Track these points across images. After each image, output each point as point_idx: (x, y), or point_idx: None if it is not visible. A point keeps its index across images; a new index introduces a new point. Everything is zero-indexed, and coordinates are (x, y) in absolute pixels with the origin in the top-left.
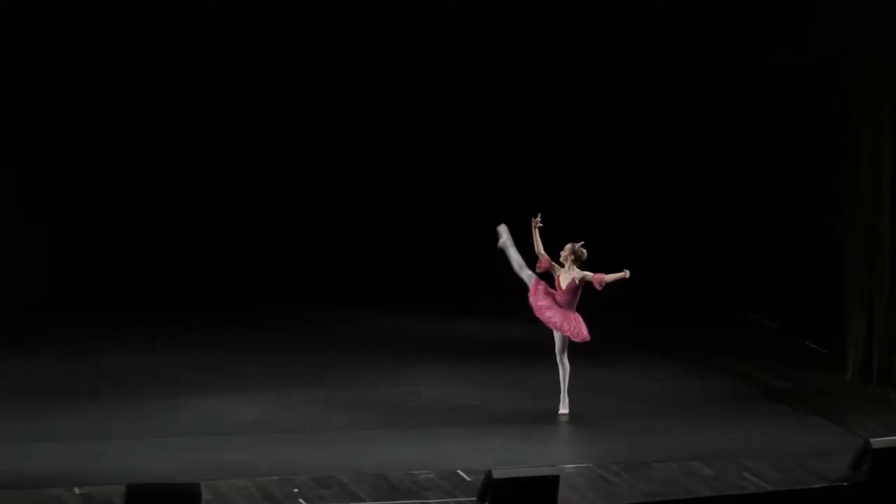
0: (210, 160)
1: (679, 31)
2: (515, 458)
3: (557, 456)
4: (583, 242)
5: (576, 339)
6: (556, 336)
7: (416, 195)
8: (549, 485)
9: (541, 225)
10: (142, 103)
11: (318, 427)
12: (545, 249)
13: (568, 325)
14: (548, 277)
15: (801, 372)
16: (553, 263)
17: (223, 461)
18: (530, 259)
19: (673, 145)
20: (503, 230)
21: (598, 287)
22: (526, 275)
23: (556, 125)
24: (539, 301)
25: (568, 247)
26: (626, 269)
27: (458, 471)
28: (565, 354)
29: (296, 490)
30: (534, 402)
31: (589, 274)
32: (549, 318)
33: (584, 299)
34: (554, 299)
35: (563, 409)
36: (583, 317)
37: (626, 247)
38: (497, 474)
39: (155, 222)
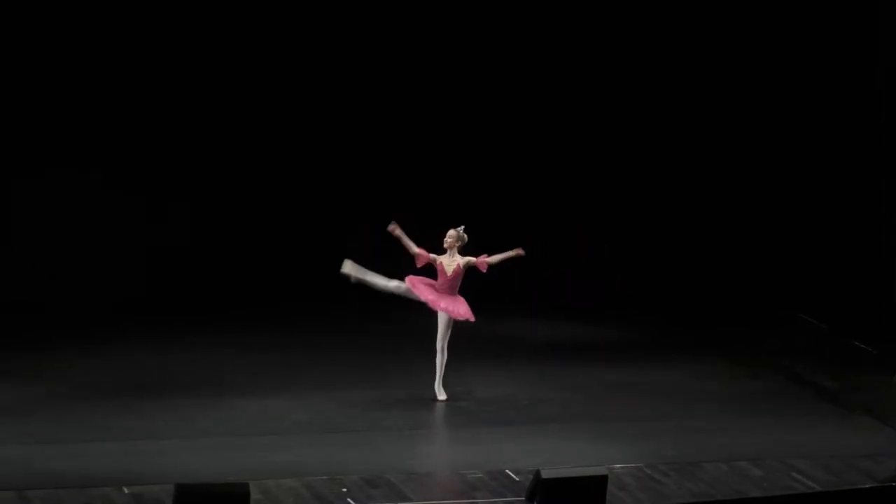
0: (252, 162)
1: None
2: (564, 457)
3: (606, 455)
4: (464, 227)
5: (460, 318)
6: (441, 323)
7: (465, 194)
8: (597, 484)
9: (397, 232)
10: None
11: (367, 427)
12: (418, 245)
13: (455, 308)
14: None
15: (851, 372)
16: (431, 255)
17: (272, 461)
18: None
19: (715, 144)
20: (348, 267)
21: (483, 270)
22: (394, 285)
23: (599, 127)
24: (429, 295)
25: (453, 233)
26: (520, 248)
27: (507, 470)
28: (446, 342)
29: (345, 490)
30: (582, 401)
31: (472, 259)
32: (445, 307)
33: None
34: (434, 288)
35: (441, 396)
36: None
37: (671, 247)
38: (546, 474)
39: (201, 226)
